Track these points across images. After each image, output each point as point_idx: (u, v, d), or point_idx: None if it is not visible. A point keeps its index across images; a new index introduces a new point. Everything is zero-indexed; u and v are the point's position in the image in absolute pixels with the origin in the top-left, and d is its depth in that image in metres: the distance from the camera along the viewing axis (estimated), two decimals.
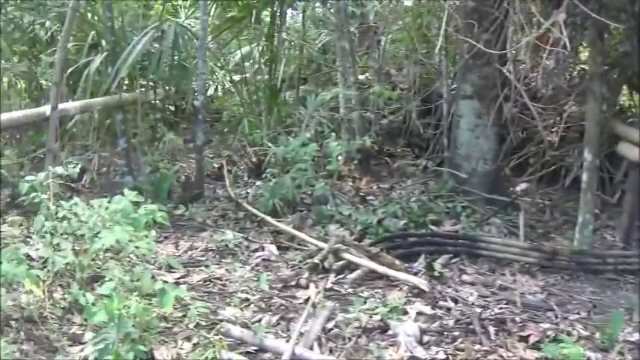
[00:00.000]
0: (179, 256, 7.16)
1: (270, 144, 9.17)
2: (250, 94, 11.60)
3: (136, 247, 5.31)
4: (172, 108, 13.40)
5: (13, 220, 6.70)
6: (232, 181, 9.88)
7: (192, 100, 12.59)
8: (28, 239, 6.24)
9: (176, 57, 9.99)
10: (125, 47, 9.45)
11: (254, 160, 10.37)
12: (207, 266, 6.81)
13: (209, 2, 10.74)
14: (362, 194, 9.35)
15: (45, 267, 5.59)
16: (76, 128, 10.30)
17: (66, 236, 5.53)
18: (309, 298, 6.04)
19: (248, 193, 9.35)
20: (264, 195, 8.57)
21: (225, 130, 12.66)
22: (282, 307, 5.89)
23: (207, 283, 6.46)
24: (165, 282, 5.20)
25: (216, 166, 10.69)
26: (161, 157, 10.40)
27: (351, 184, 9.85)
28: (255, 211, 8.36)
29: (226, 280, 6.49)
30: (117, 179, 9.63)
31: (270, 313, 5.77)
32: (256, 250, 7.41)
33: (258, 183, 9.47)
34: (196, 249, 7.41)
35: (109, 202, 5.61)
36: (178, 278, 6.44)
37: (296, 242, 7.58)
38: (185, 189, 9.44)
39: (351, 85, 10.54)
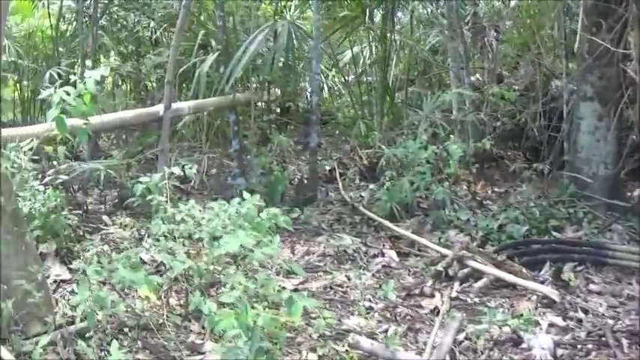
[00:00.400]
0: (296, 261, 7.04)
1: (383, 146, 8.98)
2: (361, 95, 11.47)
3: (263, 254, 5.13)
4: (278, 110, 13.39)
5: (123, 223, 6.61)
6: (345, 184, 9.72)
7: (298, 102, 12.57)
8: (140, 242, 6.14)
9: (289, 57, 9.91)
10: (236, 47, 9.39)
11: (366, 162, 10.22)
12: (328, 272, 6.65)
13: (320, 2, 10.58)
14: (479, 199, 9.14)
15: (159, 271, 5.49)
16: (185, 129, 10.28)
17: (182, 240, 5.40)
18: (435, 307, 5.86)
19: (362, 196, 9.22)
20: (382, 198, 8.41)
21: (337, 132, 12.56)
22: (409, 317, 5.70)
23: (328, 290, 6.30)
24: (284, 288, 5.08)
25: (328, 168, 10.56)
26: (271, 159, 10.28)
27: (465, 188, 9.62)
28: (372, 215, 8.23)
29: (347, 287, 6.32)
30: (229, 181, 9.55)
31: (396, 323, 5.58)
32: (375, 256, 7.25)
33: (371, 186, 9.28)
34: (313, 254, 7.29)
35: (229, 204, 5.50)
36: (297, 284, 6.30)
37: (416, 248, 7.39)
38: (298, 191, 9.33)
39: (466, 87, 10.28)
